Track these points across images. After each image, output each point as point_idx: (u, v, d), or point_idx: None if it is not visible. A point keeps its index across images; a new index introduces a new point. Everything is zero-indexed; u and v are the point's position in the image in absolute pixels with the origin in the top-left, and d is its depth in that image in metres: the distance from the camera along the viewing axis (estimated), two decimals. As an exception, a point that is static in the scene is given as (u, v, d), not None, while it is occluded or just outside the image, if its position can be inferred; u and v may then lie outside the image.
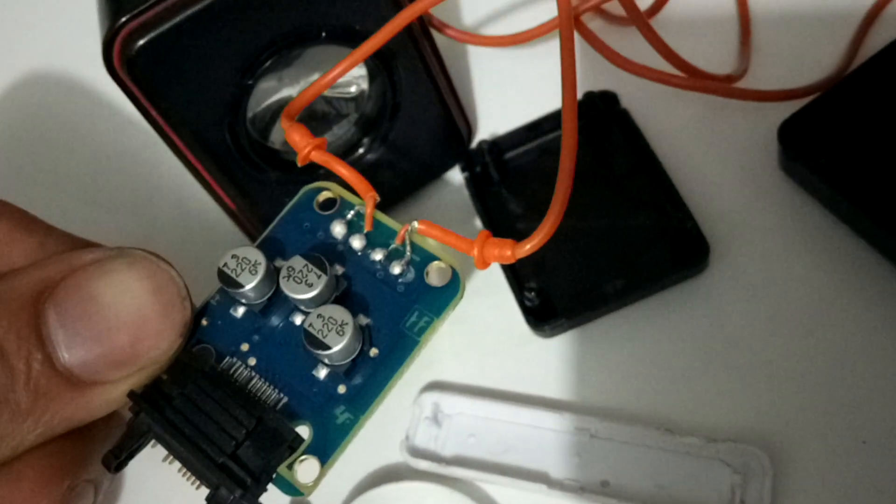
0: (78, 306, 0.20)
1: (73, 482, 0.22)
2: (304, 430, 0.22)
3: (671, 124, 0.32)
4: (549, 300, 0.29)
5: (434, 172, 0.33)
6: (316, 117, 0.30)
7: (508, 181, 0.32)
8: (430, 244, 0.24)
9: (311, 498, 0.28)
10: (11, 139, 0.38)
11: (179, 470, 0.21)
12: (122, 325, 0.21)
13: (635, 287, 0.29)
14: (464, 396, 0.29)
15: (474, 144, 0.33)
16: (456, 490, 0.27)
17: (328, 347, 0.22)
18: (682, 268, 0.29)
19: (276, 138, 0.29)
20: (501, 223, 0.31)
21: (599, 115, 0.32)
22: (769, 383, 0.27)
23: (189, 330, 0.22)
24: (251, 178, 0.29)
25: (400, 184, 0.32)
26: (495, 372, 0.29)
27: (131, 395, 0.21)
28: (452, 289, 0.24)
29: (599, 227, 0.30)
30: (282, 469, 0.22)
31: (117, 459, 0.21)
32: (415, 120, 0.31)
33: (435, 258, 0.24)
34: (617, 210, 0.30)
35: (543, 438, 0.28)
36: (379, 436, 0.29)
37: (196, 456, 0.21)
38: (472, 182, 0.32)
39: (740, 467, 0.26)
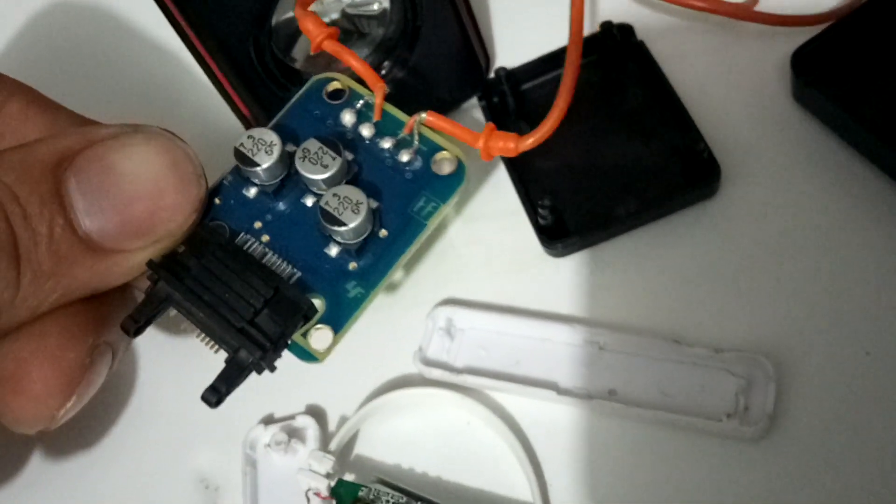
0: (98, 176, 0.21)
1: (95, 341, 0.23)
2: (317, 303, 0.24)
3: (686, 54, 0.32)
4: (561, 219, 0.30)
5: (452, 101, 0.34)
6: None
7: (525, 112, 0.33)
8: (437, 136, 0.26)
9: (328, 402, 0.29)
10: (35, 65, 0.39)
11: (198, 336, 0.23)
12: (140, 197, 0.21)
13: (647, 209, 0.29)
14: (477, 311, 0.29)
15: (492, 74, 0.33)
16: (464, 395, 0.28)
17: (344, 224, 0.23)
18: (694, 190, 0.29)
19: (297, 55, 0.30)
20: (518, 158, 0.32)
21: (616, 47, 0.32)
22: (776, 299, 0.28)
23: (203, 206, 0.23)
24: (273, 95, 0.30)
25: (418, 110, 0.33)
26: (508, 290, 0.30)
27: (150, 264, 0.22)
28: (458, 177, 0.26)
29: (613, 152, 0.31)
30: (297, 337, 0.23)
31: (136, 324, 0.22)
32: (434, 45, 0.31)
33: (441, 148, 0.26)
34: (631, 136, 0.31)
35: (554, 351, 0.28)
36: (392, 348, 0.30)
37: (216, 322, 0.22)
38: (489, 112, 0.33)
39: (745, 376, 0.26)
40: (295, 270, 0.24)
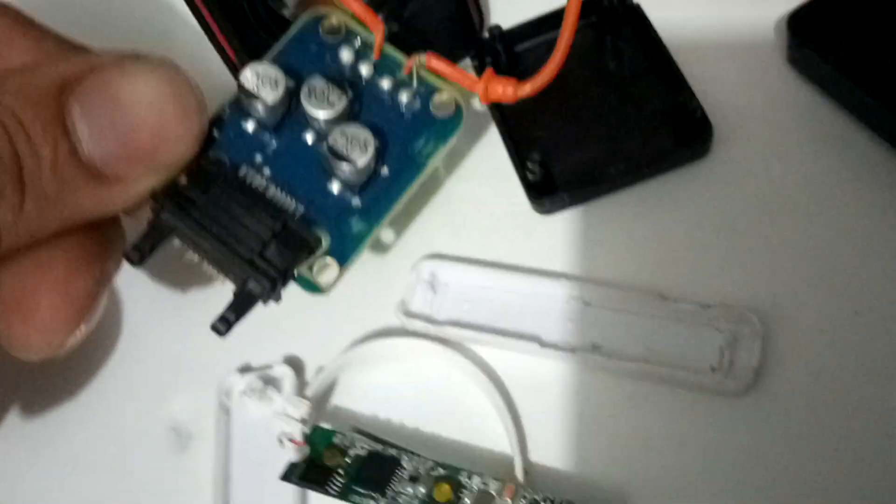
0: (101, 103, 0.21)
1: (102, 270, 0.23)
2: (321, 238, 0.24)
3: (681, 16, 0.32)
4: (550, 175, 0.29)
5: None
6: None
7: (518, 73, 0.32)
8: (436, 79, 0.26)
9: (307, 353, 0.29)
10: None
11: (204, 266, 0.24)
12: (143, 126, 0.22)
13: (638, 168, 0.29)
14: (461, 265, 0.29)
15: (486, 33, 0.33)
16: (449, 348, 0.27)
17: (352, 162, 0.24)
18: (686, 150, 0.29)
19: (287, 1, 0.30)
20: (510, 115, 0.31)
21: (612, 9, 0.32)
22: (766, 258, 0.27)
23: (204, 138, 0.23)
24: (262, 41, 0.29)
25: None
26: (494, 247, 0.29)
27: (154, 195, 0.23)
28: (456, 119, 0.26)
29: (605, 112, 0.30)
30: (303, 269, 0.24)
31: (140, 254, 0.23)
32: (428, 1, 0.31)
33: (440, 90, 0.26)
34: (624, 96, 0.31)
35: (538, 306, 0.28)
36: (374, 301, 0.29)
37: (224, 253, 0.23)
38: (481, 72, 0.33)
39: (731, 331, 0.26)
40: (298, 205, 0.24)
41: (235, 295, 0.23)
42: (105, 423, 0.29)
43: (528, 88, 0.26)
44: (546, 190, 0.29)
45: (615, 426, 0.26)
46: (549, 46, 0.31)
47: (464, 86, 0.26)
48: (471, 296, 0.28)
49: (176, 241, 0.24)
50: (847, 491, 0.24)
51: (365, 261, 0.30)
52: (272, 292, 0.23)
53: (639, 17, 0.32)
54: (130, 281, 0.30)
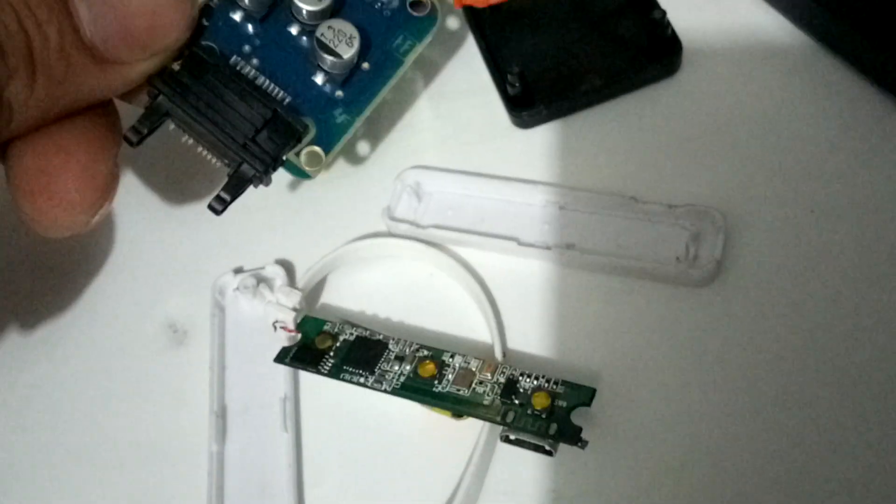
0: None
1: (117, 152, 0.25)
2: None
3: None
4: (529, 89, 0.31)
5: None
6: None
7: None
8: None
9: (297, 256, 0.30)
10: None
11: (199, 150, 0.25)
12: (140, 13, 0.23)
13: (611, 84, 0.31)
14: (445, 175, 0.30)
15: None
16: (432, 247, 0.29)
17: (339, 56, 0.25)
18: (656, 66, 0.31)
19: None
20: (489, 31, 0.33)
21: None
22: (730, 164, 0.29)
23: (195, 24, 0.25)
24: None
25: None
26: (475, 160, 0.31)
27: (150, 80, 0.24)
28: (432, 18, 0.28)
29: (581, 28, 0.32)
30: (291, 156, 0.26)
31: (139, 135, 0.24)
32: None
33: None
34: (599, 14, 0.32)
35: (517, 211, 0.29)
36: (361, 209, 0.31)
37: (219, 137, 0.25)
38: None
39: (696, 227, 0.27)
40: (286, 95, 0.26)
41: (229, 177, 0.25)
42: (104, 322, 0.30)
43: None
44: (525, 103, 0.31)
45: (588, 316, 0.27)
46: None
47: None
48: (453, 203, 0.30)
49: (171, 127, 0.25)
50: (803, 376, 0.26)
51: (351, 173, 0.31)
52: (264, 175, 0.25)
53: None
54: (126, 188, 0.31)
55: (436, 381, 0.25)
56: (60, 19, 0.22)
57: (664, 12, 0.30)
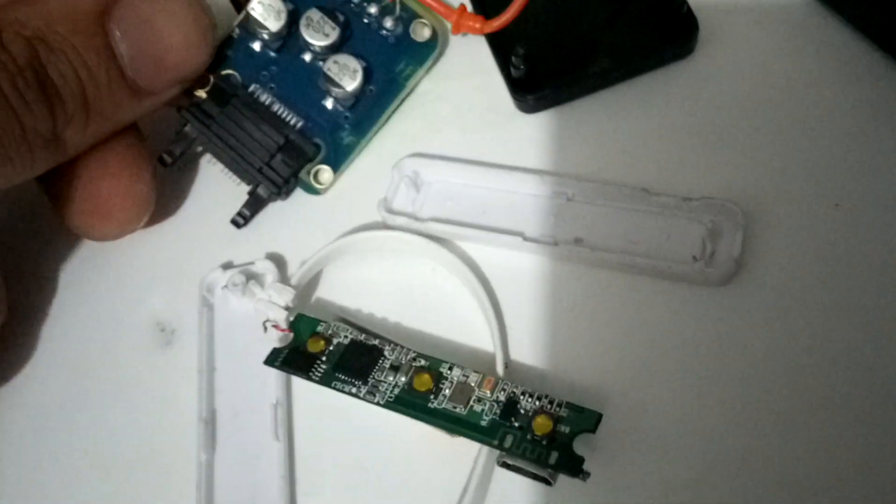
0: (138, 28, 0.24)
1: (152, 174, 0.28)
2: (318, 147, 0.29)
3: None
4: (534, 71, 0.29)
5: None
6: None
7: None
8: (417, 6, 0.30)
9: (289, 250, 0.29)
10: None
11: (223, 170, 0.28)
12: (173, 48, 0.25)
13: (621, 66, 0.29)
14: (444, 163, 0.29)
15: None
16: (432, 242, 0.27)
17: (343, 88, 0.28)
18: (670, 47, 0.29)
19: None
20: (490, 9, 0.31)
21: None
22: (748, 153, 0.27)
23: (215, 51, 0.27)
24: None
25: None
26: (478, 146, 0.29)
27: (180, 110, 0.28)
28: (433, 44, 0.30)
29: (589, 8, 0.30)
30: (302, 174, 0.29)
31: (172, 157, 0.28)
32: None
33: (420, 17, 0.30)
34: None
35: (521, 202, 0.28)
36: (357, 199, 0.29)
37: (239, 161, 0.28)
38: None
39: (713, 222, 0.26)
40: (299, 119, 0.29)
41: (249, 195, 0.28)
42: (88, 322, 0.29)
43: (495, 24, 0.28)
44: (530, 86, 0.29)
45: (596, 320, 0.26)
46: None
47: (439, 14, 0.29)
48: (454, 193, 0.28)
49: (199, 149, 0.29)
50: (825, 379, 0.24)
51: (348, 162, 0.30)
52: (279, 194, 0.28)
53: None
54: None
55: (431, 396, 0.23)
56: (107, 62, 0.24)
57: (682, -3, 0.28)
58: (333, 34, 0.28)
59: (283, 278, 0.28)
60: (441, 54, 0.30)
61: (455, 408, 0.23)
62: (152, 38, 0.25)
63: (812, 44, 0.29)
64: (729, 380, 0.25)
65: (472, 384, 0.24)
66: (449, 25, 0.30)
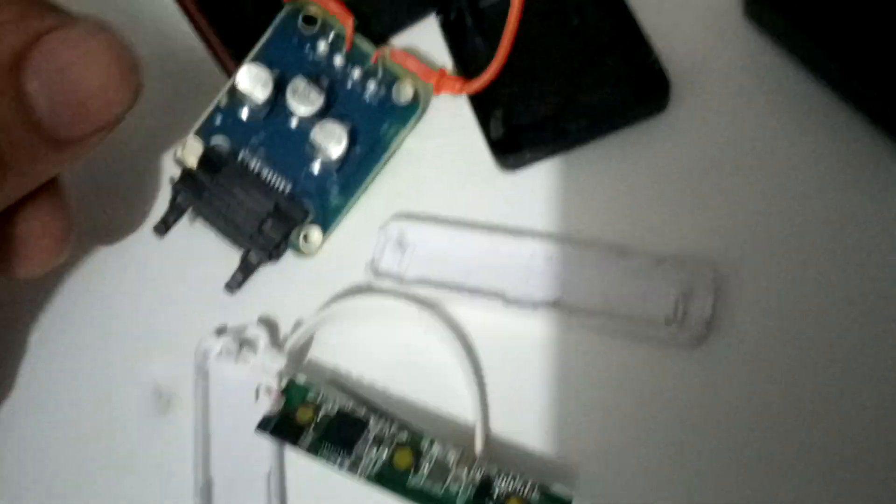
0: (55, 77, 0.23)
1: (71, 210, 0.27)
2: (307, 209, 0.30)
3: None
4: (513, 132, 0.30)
5: (411, 17, 0.33)
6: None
7: (482, 28, 0.33)
8: (399, 68, 0.31)
9: (280, 312, 0.30)
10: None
11: (215, 236, 0.29)
12: (93, 94, 0.24)
13: (597, 123, 0.30)
14: (429, 225, 0.30)
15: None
16: (415, 305, 0.28)
17: (329, 154, 0.29)
18: (643, 105, 0.29)
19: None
20: (471, 67, 0.32)
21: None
22: (719, 211, 0.28)
23: (142, 90, 0.25)
24: (229, 8, 0.30)
25: (379, 27, 0.33)
26: (460, 204, 0.30)
27: (174, 182, 0.29)
28: (415, 106, 0.31)
29: (565, 67, 0.31)
30: (292, 236, 0.29)
31: (166, 227, 0.29)
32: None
33: (402, 79, 0.30)
34: (583, 50, 0.31)
35: (503, 263, 0.29)
36: (345, 260, 0.30)
37: (230, 228, 0.29)
38: (446, 27, 0.33)
39: (685, 283, 0.27)
40: (287, 183, 0.30)
41: (242, 261, 0.29)
42: (87, 388, 0.30)
43: (474, 86, 0.30)
44: (510, 147, 0.30)
45: (574, 386, 0.27)
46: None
47: (421, 77, 0.30)
48: (438, 254, 0.29)
49: (192, 216, 0.30)
50: (798, 439, 0.25)
51: (336, 222, 0.31)
52: (269, 259, 0.29)
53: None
54: (106, 251, 0.31)
55: (411, 473, 0.24)
56: (24, 116, 0.23)
57: (653, 53, 0.29)
58: (319, 101, 0.29)
59: (276, 342, 0.29)
60: (424, 112, 0.31)
61: (433, 486, 0.24)
62: (71, 86, 0.23)
63: (782, 99, 0.29)
64: (703, 447, 0.25)
65: (450, 463, 0.25)
66: (431, 85, 0.30)
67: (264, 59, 0.30)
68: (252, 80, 0.29)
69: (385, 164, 0.31)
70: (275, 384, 0.27)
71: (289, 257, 0.30)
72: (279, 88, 0.29)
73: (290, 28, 0.30)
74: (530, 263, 0.28)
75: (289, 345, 0.28)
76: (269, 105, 0.30)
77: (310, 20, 0.30)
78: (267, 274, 0.30)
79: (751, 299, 0.27)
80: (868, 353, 0.25)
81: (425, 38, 0.33)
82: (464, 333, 0.28)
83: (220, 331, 0.29)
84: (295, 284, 0.30)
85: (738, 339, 0.26)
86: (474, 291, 0.28)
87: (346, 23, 0.30)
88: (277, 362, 0.27)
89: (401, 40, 0.33)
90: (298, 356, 0.29)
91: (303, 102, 0.29)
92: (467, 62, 0.32)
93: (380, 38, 0.33)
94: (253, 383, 0.28)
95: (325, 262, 0.30)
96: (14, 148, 0.23)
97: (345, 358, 0.29)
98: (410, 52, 0.33)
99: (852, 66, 0.27)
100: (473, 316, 0.28)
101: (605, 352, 0.27)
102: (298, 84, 0.29)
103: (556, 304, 0.27)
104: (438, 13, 0.33)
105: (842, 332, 0.26)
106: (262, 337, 0.29)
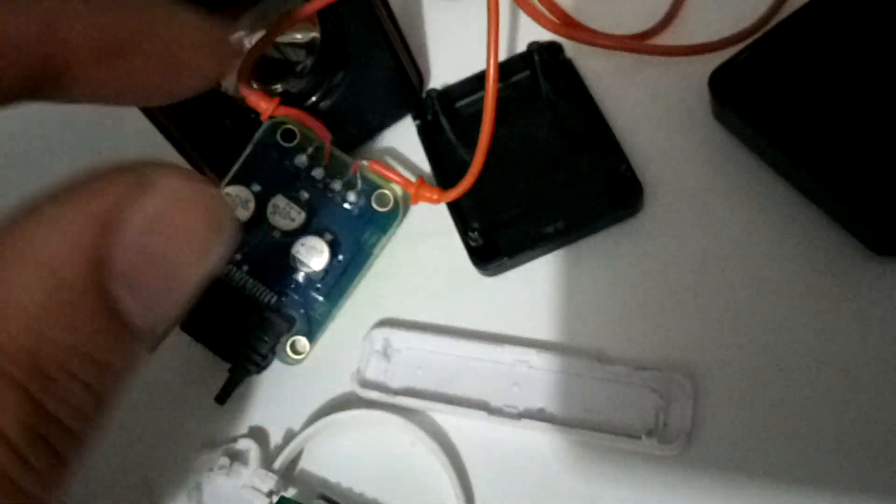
0: (146, 271, 0.17)
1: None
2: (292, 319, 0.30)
3: (612, 73, 0.33)
4: (492, 240, 0.31)
5: (388, 120, 0.34)
6: (269, 66, 0.31)
7: (458, 129, 0.34)
8: (378, 177, 0.31)
9: (269, 422, 0.30)
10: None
11: (202, 349, 0.30)
12: (191, 279, 0.18)
13: (573, 228, 0.30)
14: (412, 332, 0.30)
15: (424, 94, 0.34)
16: (402, 417, 0.29)
17: (311, 268, 0.30)
18: (617, 209, 0.30)
19: (227, 86, 0.31)
20: (448, 168, 0.33)
21: (544, 64, 0.33)
22: (694, 316, 0.29)
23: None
24: (207, 126, 0.31)
25: (356, 130, 0.34)
26: (443, 309, 0.31)
27: None
28: (395, 213, 0.31)
29: (542, 172, 0.32)
30: (280, 347, 0.30)
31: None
32: (366, 69, 0.32)
33: (381, 188, 0.31)
34: (558, 155, 0.32)
35: (486, 370, 0.29)
36: (331, 369, 0.31)
37: (219, 344, 0.30)
38: (422, 130, 0.34)
39: (664, 393, 0.27)
40: (272, 294, 0.30)
41: (230, 373, 0.30)
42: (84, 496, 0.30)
43: (451, 195, 0.30)
44: (488, 255, 0.30)
45: (559, 490, 0.27)
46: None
47: (400, 186, 0.31)
48: (422, 361, 0.30)
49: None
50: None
51: (322, 330, 0.31)
52: (258, 370, 0.30)
53: (571, 71, 0.33)
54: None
55: None
56: (114, 337, 0.17)
57: (625, 160, 0.30)
58: (300, 218, 0.30)
59: (266, 454, 0.30)
60: (404, 218, 0.32)
61: None
62: (166, 280, 0.17)
63: (754, 201, 0.30)
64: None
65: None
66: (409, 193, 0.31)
67: (245, 174, 0.31)
68: (233, 201, 0.30)
69: (368, 270, 0.31)
70: (265, 504, 0.28)
71: (277, 366, 0.31)
72: (261, 203, 0.30)
73: (269, 144, 0.31)
74: (513, 371, 0.29)
75: (279, 462, 0.29)
76: (251, 221, 0.30)
77: (289, 135, 0.31)
78: (256, 384, 0.31)
79: (728, 404, 0.27)
80: (848, 453, 0.26)
81: (404, 137, 0.34)
82: (450, 443, 0.29)
83: (211, 443, 0.30)
84: (284, 393, 0.31)
85: (718, 447, 0.27)
86: (458, 402, 0.29)
87: (325, 139, 0.31)
88: (266, 483, 0.28)
89: (380, 140, 0.34)
90: (289, 470, 0.29)
91: (284, 220, 0.30)
92: (444, 164, 0.33)
93: (358, 142, 0.34)
94: (245, 496, 0.28)
95: (313, 369, 0.31)
96: (109, 375, 0.17)
97: (334, 469, 0.29)
98: (390, 151, 0.34)
99: (813, 169, 0.28)
100: (459, 424, 0.29)
101: (589, 462, 0.27)
102: (279, 202, 0.30)
103: (538, 413, 0.28)
104: (416, 117, 0.34)
105: (820, 431, 0.27)
106: (252, 449, 0.29)
